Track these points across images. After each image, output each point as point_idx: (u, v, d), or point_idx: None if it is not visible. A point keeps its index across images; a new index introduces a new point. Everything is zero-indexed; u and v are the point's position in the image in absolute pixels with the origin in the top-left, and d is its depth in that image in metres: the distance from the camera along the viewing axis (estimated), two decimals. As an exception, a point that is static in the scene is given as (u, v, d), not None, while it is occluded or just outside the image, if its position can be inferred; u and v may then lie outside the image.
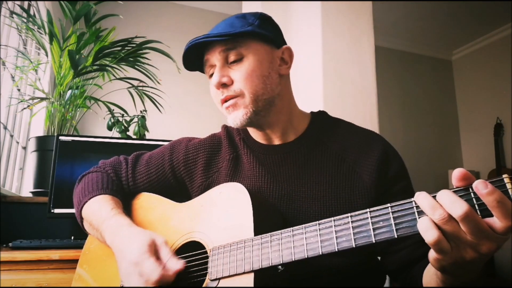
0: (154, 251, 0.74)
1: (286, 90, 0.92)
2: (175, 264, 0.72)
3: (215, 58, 0.86)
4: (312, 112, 0.99)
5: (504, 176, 0.51)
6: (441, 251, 0.53)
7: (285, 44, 0.93)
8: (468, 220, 0.50)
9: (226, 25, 0.86)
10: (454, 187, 0.54)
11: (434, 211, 0.52)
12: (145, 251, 0.73)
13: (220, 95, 0.85)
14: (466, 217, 0.50)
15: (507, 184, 0.50)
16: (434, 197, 0.53)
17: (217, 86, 0.84)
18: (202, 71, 0.94)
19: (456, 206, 0.50)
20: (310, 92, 1.89)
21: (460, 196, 0.52)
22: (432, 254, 0.57)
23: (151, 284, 0.70)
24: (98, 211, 0.90)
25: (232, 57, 0.85)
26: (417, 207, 0.56)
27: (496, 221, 0.50)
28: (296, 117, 0.93)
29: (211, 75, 0.89)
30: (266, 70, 0.86)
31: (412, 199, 0.56)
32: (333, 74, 1.89)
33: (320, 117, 0.97)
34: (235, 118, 0.84)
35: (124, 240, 0.79)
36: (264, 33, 0.87)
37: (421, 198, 0.54)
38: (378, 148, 0.87)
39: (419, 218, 0.55)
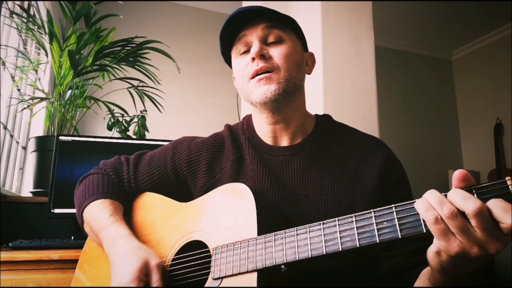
0: (145, 273, 0.74)
1: (304, 90, 0.95)
2: None
3: (255, 34, 0.87)
4: (316, 115, 0.99)
5: (507, 178, 0.52)
6: (443, 234, 0.53)
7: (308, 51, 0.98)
8: (481, 216, 0.50)
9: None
10: (454, 188, 0.55)
11: (443, 206, 0.52)
12: (136, 277, 0.73)
13: (255, 66, 0.85)
14: (479, 213, 0.50)
15: (510, 187, 0.51)
16: (445, 195, 0.54)
17: (256, 55, 0.84)
18: (225, 48, 0.94)
19: (469, 202, 0.51)
20: (310, 92, 1.88)
21: None
22: (432, 249, 0.57)
23: None
24: (97, 217, 0.89)
25: (272, 38, 0.87)
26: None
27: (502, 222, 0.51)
28: (307, 119, 0.95)
29: (242, 53, 0.90)
30: (299, 59, 0.90)
31: (416, 200, 0.56)
32: (333, 74, 1.89)
33: (324, 120, 0.97)
34: (266, 91, 0.83)
35: (119, 255, 0.79)
36: (300, 31, 0.93)
37: (429, 194, 0.54)
38: (381, 155, 0.88)
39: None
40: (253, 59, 0.85)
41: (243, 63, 0.88)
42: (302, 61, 0.91)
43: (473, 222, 0.51)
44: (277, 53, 0.85)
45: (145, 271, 0.75)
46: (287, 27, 0.89)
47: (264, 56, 0.84)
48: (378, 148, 0.90)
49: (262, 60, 0.84)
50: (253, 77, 0.85)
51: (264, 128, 0.93)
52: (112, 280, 0.77)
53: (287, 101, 0.87)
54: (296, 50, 0.89)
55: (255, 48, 0.84)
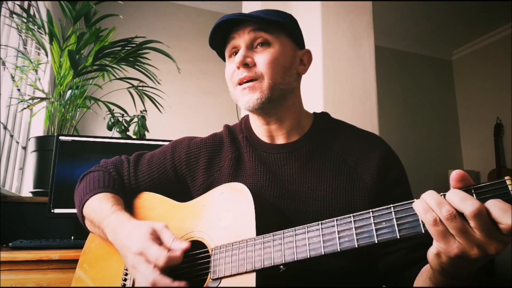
0: (156, 237, 0.75)
1: (299, 89, 0.94)
2: (180, 244, 0.73)
3: (242, 38, 0.87)
4: (314, 113, 0.99)
5: (506, 178, 0.51)
6: (442, 236, 0.53)
7: (305, 48, 0.96)
8: (480, 217, 0.50)
9: (261, 13, 0.88)
10: (452, 188, 0.54)
11: (441, 207, 0.52)
12: (147, 239, 0.74)
13: (239, 74, 0.85)
14: (478, 213, 0.50)
15: (509, 186, 0.51)
16: (443, 196, 0.54)
17: (240, 64, 0.84)
18: (221, 51, 0.95)
19: (468, 203, 0.51)
20: (310, 92, 1.89)
21: None
22: (432, 251, 0.57)
23: (161, 267, 0.71)
24: (99, 209, 0.90)
25: (259, 40, 0.86)
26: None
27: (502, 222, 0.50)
28: (303, 117, 0.95)
29: (231, 55, 0.90)
30: (288, 63, 0.88)
31: (415, 200, 0.56)
32: (333, 74, 1.89)
33: (322, 118, 0.98)
34: (249, 100, 0.84)
35: (125, 234, 0.79)
36: (293, 30, 0.92)
37: (427, 195, 0.54)
38: (379, 151, 0.88)
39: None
40: (239, 67, 0.85)
41: (231, 69, 0.88)
42: (291, 63, 0.89)
43: (472, 223, 0.51)
44: (261, 59, 0.85)
45: (155, 234, 0.76)
46: (277, 29, 0.88)
47: (248, 65, 0.85)
48: (376, 144, 0.90)
49: (246, 69, 0.84)
50: (239, 84, 0.86)
51: (259, 127, 0.94)
52: (126, 260, 0.77)
53: (274, 105, 0.87)
54: (284, 54, 0.88)
55: (238, 57, 0.85)
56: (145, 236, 0.74)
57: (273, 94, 0.84)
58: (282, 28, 0.89)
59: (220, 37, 0.90)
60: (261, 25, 0.86)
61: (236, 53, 0.88)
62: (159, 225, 0.77)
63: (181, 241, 0.74)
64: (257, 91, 0.84)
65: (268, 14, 0.88)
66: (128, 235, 0.79)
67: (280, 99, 0.87)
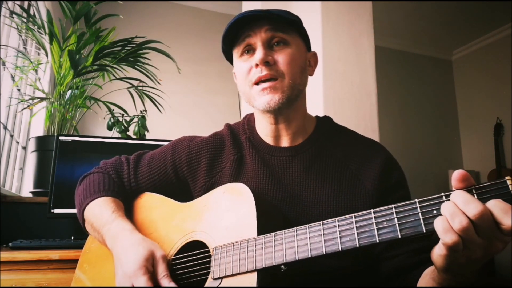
0: (151, 265, 0.74)
1: (305, 91, 0.94)
2: (168, 284, 0.73)
3: (258, 36, 0.85)
4: (317, 116, 0.99)
5: (507, 178, 0.52)
6: (455, 251, 0.53)
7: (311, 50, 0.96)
8: (483, 220, 0.50)
9: (275, 11, 0.86)
10: (454, 188, 0.55)
11: (454, 218, 0.52)
12: (141, 266, 0.73)
13: (258, 72, 0.83)
14: (481, 217, 0.50)
15: (510, 186, 0.51)
16: (448, 195, 0.54)
17: (261, 62, 0.82)
18: (229, 51, 0.93)
19: (471, 206, 0.51)
20: (310, 92, 1.88)
21: None
22: (438, 252, 0.57)
23: None
24: (99, 214, 0.89)
25: (276, 39, 0.85)
26: (421, 207, 0.56)
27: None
28: (307, 120, 0.95)
29: (243, 53, 0.88)
30: (303, 63, 0.89)
31: (416, 200, 0.56)
32: (333, 74, 1.89)
33: (325, 122, 0.98)
34: (270, 100, 0.82)
35: (123, 247, 0.78)
36: (305, 31, 0.92)
37: (444, 206, 0.54)
38: (381, 158, 0.88)
39: (423, 218, 0.55)
40: (257, 65, 0.83)
41: (246, 67, 0.86)
42: (305, 64, 0.90)
43: (475, 225, 0.51)
44: (282, 58, 0.84)
45: (151, 261, 0.75)
46: (291, 29, 0.87)
47: (268, 63, 0.83)
48: (377, 151, 0.91)
49: (267, 67, 0.83)
50: (256, 83, 0.84)
51: (266, 127, 0.93)
52: (116, 272, 0.77)
53: (290, 106, 0.86)
54: (300, 54, 0.88)
55: (259, 54, 0.83)
56: (140, 262, 0.73)
57: (292, 93, 0.84)
58: (297, 28, 0.89)
59: (230, 35, 0.89)
60: (278, 25, 0.85)
61: (249, 51, 0.87)
62: (158, 253, 0.76)
63: (170, 280, 0.73)
64: (278, 91, 0.82)
65: (283, 14, 0.86)
66: (125, 250, 0.77)
67: (295, 99, 0.86)
